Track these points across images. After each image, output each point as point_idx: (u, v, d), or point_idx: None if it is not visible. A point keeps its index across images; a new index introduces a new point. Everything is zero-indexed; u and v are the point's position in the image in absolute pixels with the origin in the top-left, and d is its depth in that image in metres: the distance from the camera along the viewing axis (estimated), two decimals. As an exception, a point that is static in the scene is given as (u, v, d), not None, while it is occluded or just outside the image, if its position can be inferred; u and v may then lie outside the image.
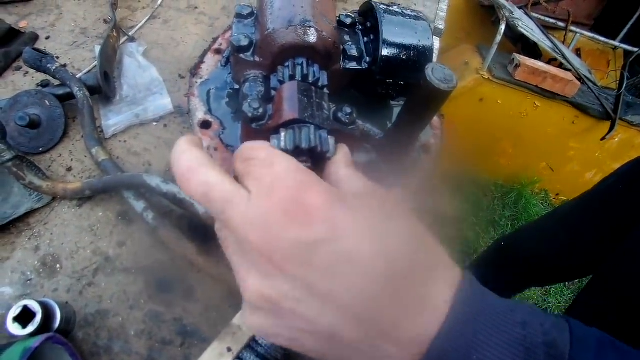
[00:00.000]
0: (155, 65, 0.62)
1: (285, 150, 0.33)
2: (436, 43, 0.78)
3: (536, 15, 1.58)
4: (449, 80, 0.34)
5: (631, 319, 0.59)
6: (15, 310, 0.39)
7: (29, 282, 0.47)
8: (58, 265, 0.48)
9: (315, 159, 0.35)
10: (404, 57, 0.43)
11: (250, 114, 0.38)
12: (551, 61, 1.57)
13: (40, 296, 0.46)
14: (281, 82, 0.39)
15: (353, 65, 0.46)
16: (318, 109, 0.37)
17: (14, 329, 0.39)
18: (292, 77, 0.38)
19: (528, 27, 1.43)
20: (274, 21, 0.41)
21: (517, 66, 1.40)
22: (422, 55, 0.44)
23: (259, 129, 0.38)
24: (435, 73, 0.34)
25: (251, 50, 0.44)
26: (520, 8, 1.56)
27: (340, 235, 0.20)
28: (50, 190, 0.50)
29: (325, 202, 0.20)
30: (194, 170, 0.22)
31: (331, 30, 0.42)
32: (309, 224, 0.19)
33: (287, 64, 0.40)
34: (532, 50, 1.59)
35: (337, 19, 0.49)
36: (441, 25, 0.81)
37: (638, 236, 0.63)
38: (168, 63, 0.63)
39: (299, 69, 0.39)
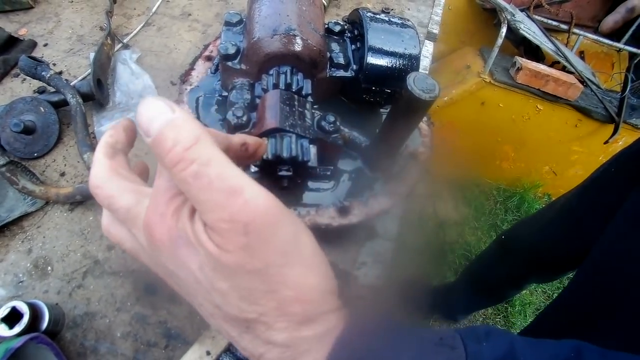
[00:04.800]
0: (148, 72, 0.62)
1: (266, 159, 0.34)
2: (430, 48, 0.78)
3: (538, 18, 1.56)
4: (430, 89, 0.34)
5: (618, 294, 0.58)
6: (3, 311, 0.40)
7: (20, 283, 0.48)
8: (49, 268, 0.49)
9: (296, 168, 0.36)
10: (389, 65, 0.43)
11: (233, 122, 0.38)
12: (554, 64, 1.55)
13: (32, 297, 0.46)
14: (265, 91, 0.39)
15: (339, 73, 0.46)
16: (300, 117, 0.37)
17: (1, 329, 0.39)
18: (275, 86, 0.39)
19: (530, 29, 1.42)
20: (260, 30, 0.41)
21: (518, 69, 1.38)
22: (408, 63, 0.44)
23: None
24: (417, 82, 0.34)
25: (238, 58, 0.44)
26: (522, 10, 1.55)
27: None
28: (43, 195, 0.51)
29: None
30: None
31: (317, 39, 0.43)
32: None
33: (271, 72, 0.40)
34: (534, 53, 1.57)
35: (326, 26, 0.49)
36: (435, 29, 0.81)
37: (626, 212, 0.62)
38: (161, 70, 0.64)
39: (282, 77, 0.39)
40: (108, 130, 0.25)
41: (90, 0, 0.76)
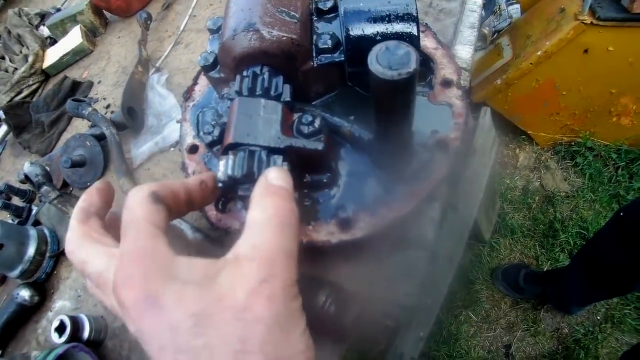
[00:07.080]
0: (175, 91, 0.65)
1: (221, 181, 0.30)
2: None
3: None
4: (401, 63, 0.26)
5: None
6: (55, 323, 0.48)
7: (79, 297, 0.55)
8: (100, 285, 0.55)
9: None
10: (374, 36, 0.35)
11: (205, 141, 0.36)
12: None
13: (85, 310, 0.53)
14: (231, 100, 0.36)
15: (327, 58, 0.39)
16: (265, 126, 0.32)
17: (54, 337, 0.48)
18: (238, 93, 0.35)
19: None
20: (226, 32, 0.37)
21: (634, -4, 1.06)
22: (402, 28, 0.35)
23: (217, 153, 0.36)
24: (381, 57, 0.26)
25: (217, 66, 0.41)
26: None
27: None
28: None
29: None
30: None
31: (290, 27, 0.37)
32: None
33: (237, 77, 0.36)
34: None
35: (315, 5, 0.43)
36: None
37: None
38: (186, 87, 0.65)
39: (246, 81, 0.35)
40: (82, 195, 0.28)
41: (132, 32, 0.82)
